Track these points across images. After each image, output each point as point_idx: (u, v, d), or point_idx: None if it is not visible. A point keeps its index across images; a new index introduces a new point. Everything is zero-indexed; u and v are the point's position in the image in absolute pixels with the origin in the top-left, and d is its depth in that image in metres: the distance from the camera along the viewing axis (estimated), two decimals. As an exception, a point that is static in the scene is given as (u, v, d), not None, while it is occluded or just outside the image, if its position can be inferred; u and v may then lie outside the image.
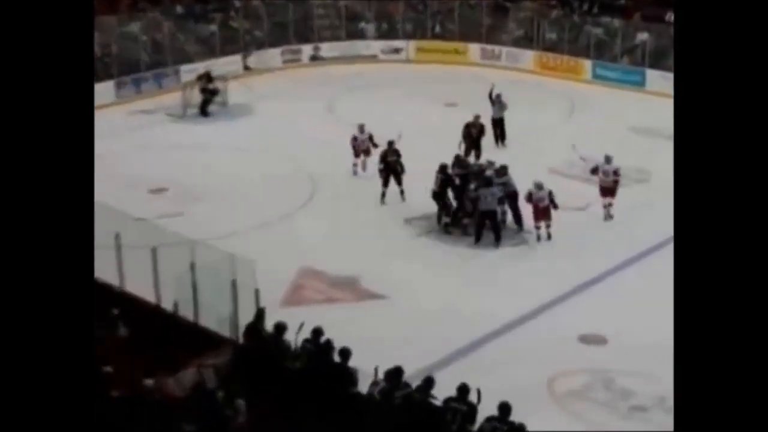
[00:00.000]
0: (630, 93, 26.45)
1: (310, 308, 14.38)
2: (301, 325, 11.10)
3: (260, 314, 11.50)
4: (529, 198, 16.73)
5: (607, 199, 17.73)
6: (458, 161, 17.74)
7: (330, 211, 18.30)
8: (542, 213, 16.71)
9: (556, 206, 16.68)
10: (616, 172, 17.75)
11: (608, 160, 17.89)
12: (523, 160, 20.64)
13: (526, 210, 16.94)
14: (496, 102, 21.65)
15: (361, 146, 19.79)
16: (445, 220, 17.16)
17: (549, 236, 16.68)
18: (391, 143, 18.62)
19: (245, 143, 22.49)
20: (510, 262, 16.27)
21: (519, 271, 15.91)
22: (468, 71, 29.06)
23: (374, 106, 25.19)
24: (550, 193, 16.68)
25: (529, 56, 29.25)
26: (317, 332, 11.08)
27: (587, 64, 28.12)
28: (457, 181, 17.20)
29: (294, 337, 11.08)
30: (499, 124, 21.73)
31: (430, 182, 17.53)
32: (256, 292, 11.82)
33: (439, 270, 15.98)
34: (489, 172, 17.11)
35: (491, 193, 16.58)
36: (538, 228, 16.76)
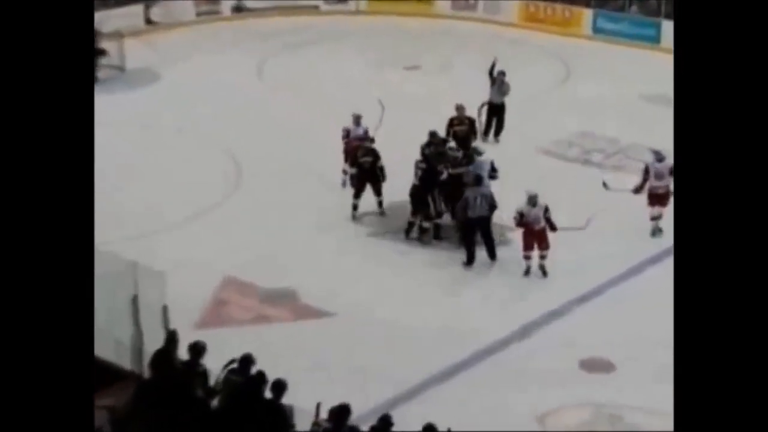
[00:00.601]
0: (641, 51, 26.67)
1: (236, 330, 14.37)
2: (230, 363, 11.07)
3: (171, 339, 11.41)
4: (521, 220, 15.78)
5: (657, 209, 16.87)
6: (432, 141, 17.46)
7: (261, 206, 18.28)
8: (537, 238, 15.80)
9: (553, 227, 15.79)
10: (672, 172, 16.30)
11: (659, 156, 16.86)
12: (505, 138, 20.83)
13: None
14: (498, 82, 20.79)
15: (352, 143, 18.40)
16: (424, 224, 16.97)
17: (544, 272, 15.90)
18: (363, 139, 18.07)
19: (149, 119, 22.36)
20: (493, 270, 16.34)
21: (505, 282, 16.01)
22: (434, 25, 29.17)
23: (316, 70, 25.23)
24: (546, 210, 15.74)
25: (511, 6, 29.41)
26: (246, 361, 11.05)
27: (586, 15, 28.34)
28: (421, 170, 16.86)
29: (219, 373, 11.08)
30: (497, 112, 20.88)
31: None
32: (165, 310, 11.77)
33: (401, 280, 16.05)
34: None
35: (481, 194, 16.10)
36: (528, 258, 15.91)
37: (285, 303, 15.31)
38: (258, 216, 17.92)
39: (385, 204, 17.87)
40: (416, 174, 16.90)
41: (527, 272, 15.94)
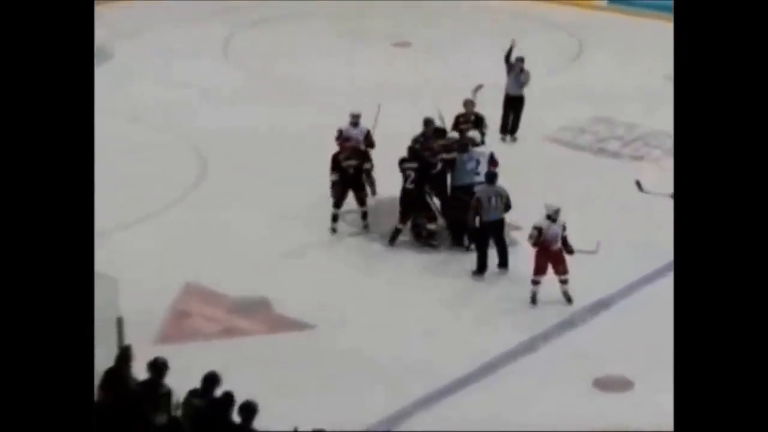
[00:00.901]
0: (665, 24, 26.55)
1: (200, 345, 14.40)
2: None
3: (125, 355, 11.47)
4: (538, 238, 15.17)
5: None
6: (426, 132, 17.31)
7: (227, 202, 18.24)
8: (553, 260, 15.30)
9: (570, 250, 15.33)
10: None
11: None
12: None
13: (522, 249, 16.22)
14: (515, 69, 20.32)
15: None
16: (429, 226, 16.83)
17: (569, 299, 15.45)
18: (344, 140, 17.41)
19: (98, 103, 22.16)
20: (494, 279, 16.33)
21: (508, 293, 16.00)
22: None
23: (291, 47, 25.13)
24: (564, 228, 15.29)
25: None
26: (209, 380, 11.10)
27: (601, -16, 28.37)
28: (412, 170, 16.60)
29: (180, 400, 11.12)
30: (513, 106, 20.49)
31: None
32: (119, 322, 11.83)
33: (389, 289, 16.09)
34: (472, 160, 16.76)
35: (496, 194, 15.92)
36: (537, 284, 15.38)
37: (257, 314, 15.29)
38: (225, 215, 17.87)
39: (374, 200, 17.65)
40: (408, 177, 16.68)
41: (534, 300, 15.47)
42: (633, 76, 23.47)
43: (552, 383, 13.81)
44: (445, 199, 16.99)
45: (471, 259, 16.38)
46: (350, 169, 17.11)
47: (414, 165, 16.68)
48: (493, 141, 18.94)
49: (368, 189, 17.42)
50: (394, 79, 22.56)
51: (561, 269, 15.34)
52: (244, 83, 23.38)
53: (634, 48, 25.15)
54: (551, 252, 15.27)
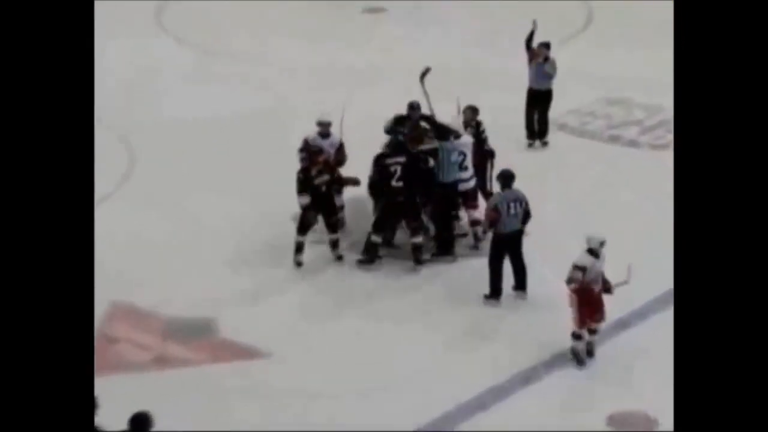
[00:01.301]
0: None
1: (130, 377, 14.40)
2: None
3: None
4: (581, 276, 14.49)
5: None
6: (412, 113, 17.21)
7: (162, 202, 18.34)
8: (594, 305, 14.70)
9: (608, 288, 14.70)
10: None
11: None
12: (505, 109, 20.63)
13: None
14: (539, 56, 20.12)
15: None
16: (414, 240, 16.68)
17: (591, 353, 14.97)
18: (316, 152, 16.78)
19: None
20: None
21: (502, 314, 16.00)
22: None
23: (237, 15, 25.11)
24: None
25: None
26: (139, 421, 11.18)
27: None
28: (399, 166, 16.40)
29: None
30: (539, 103, 20.30)
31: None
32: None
33: (359, 309, 16.09)
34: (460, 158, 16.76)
35: (515, 200, 15.85)
36: (580, 338, 14.83)
37: (198, 339, 15.32)
38: (159, 214, 17.98)
39: (346, 200, 17.51)
40: (393, 174, 16.44)
41: (580, 360, 14.88)
42: (653, 47, 23.07)
43: (558, 420, 13.91)
44: (430, 197, 16.90)
45: (458, 272, 16.62)
46: (323, 186, 16.64)
47: (401, 159, 16.51)
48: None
49: (337, 211, 17.12)
50: (365, 55, 22.69)
51: (599, 316, 14.81)
52: (183, 62, 23.59)
53: (653, 14, 24.65)
54: (593, 295, 14.66)
